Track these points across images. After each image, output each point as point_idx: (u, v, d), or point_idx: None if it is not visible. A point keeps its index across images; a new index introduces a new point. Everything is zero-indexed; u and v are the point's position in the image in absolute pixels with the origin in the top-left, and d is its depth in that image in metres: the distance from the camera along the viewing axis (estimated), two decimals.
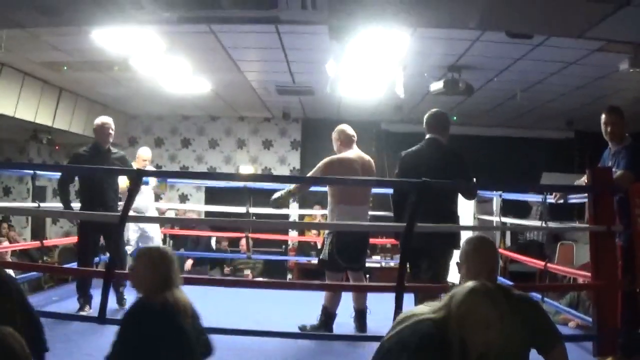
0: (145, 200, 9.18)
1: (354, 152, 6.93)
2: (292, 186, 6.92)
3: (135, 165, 8.56)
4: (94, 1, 5.13)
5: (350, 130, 7.01)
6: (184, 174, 13.11)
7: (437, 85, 9.18)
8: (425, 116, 6.26)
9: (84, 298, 7.37)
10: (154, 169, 11.02)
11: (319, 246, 8.18)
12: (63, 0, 5.22)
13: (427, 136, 6.17)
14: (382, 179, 10.30)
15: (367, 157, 6.99)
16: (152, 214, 9.47)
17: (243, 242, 12.12)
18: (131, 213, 5.99)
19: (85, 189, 7.62)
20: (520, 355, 3.29)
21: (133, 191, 5.56)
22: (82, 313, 7.09)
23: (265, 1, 4.83)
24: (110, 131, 7.64)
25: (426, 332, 2.87)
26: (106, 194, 7.47)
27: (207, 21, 6.45)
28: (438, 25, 6.70)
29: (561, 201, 6.86)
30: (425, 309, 3.02)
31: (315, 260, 7.77)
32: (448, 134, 6.21)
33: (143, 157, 9.35)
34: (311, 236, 12.86)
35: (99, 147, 7.59)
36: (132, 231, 9.32)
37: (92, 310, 7.10)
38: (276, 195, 6.76)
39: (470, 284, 2.97)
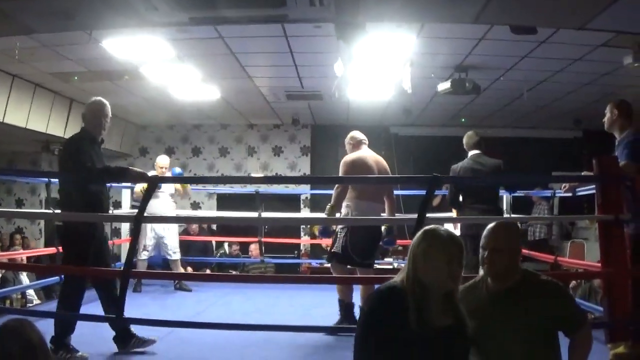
0: (163, 207, 9.41)
1: (366, 152, 7.19)
2: (331, 202, 6.90)
3: (153, 173, 8.60)
4: (108, 4, 5.24)
5: (359, 134, 7.39)
6: (196, 179, 13.37)
7: (444, 85, 9.30)
8: (465, 138, 7.59)
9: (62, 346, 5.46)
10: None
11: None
12: (77, 3, 5.33)
13: (473, 152, 7.45)
14: (396, 176, 10.51)
15: (379, 157, 7.24)
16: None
17: (252, 247, 12.26)
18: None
19: (85, 191, 5.76)
20: (544, 336, 3.36)
21: (148, 194, 5.48)
22: None
23: (274, 0, 4.93)
24: (104, 118, 5.87)
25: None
26: (106, 199, 5.98)
27: (217, 22, 6.53)
28: (442, 20, 6.79)
29: (569, 194, 6.89)
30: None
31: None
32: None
33: (160, 164, 9.75)
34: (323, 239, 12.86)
35: (94, 138, 5.84)
36: (148, 238, 9.48)
37: None
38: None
39: None
